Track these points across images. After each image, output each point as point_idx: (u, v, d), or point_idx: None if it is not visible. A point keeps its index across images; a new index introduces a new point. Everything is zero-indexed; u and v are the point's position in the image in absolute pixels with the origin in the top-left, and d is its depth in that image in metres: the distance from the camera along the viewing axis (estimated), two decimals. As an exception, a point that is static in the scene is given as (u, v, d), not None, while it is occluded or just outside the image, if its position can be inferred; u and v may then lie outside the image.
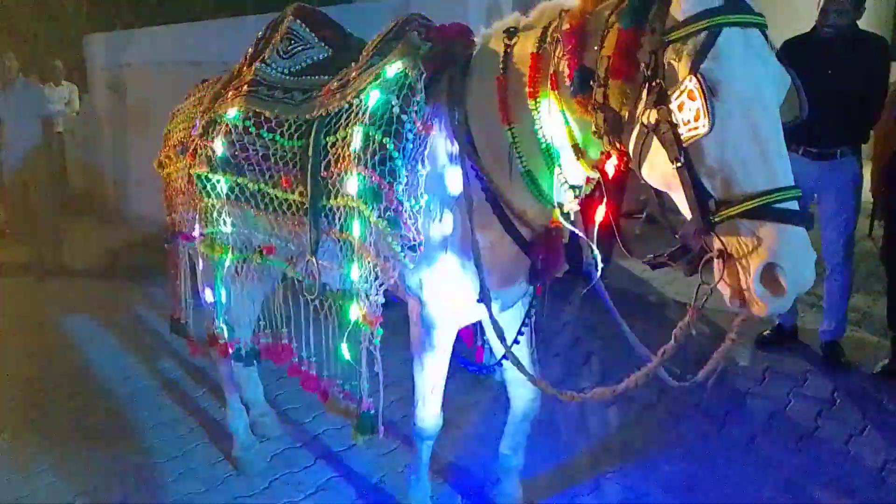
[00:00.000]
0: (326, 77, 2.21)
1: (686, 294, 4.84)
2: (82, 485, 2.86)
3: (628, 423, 3.29)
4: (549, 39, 1.69)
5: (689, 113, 1.30)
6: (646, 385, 3.60)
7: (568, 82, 1.60)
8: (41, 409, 3.55)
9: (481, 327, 2.39)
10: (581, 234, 1.88)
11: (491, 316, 1.96)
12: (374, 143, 1.85)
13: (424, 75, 1.87)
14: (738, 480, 2.84)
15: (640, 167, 1.49)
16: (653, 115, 1.38)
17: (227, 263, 2.43)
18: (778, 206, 1.28)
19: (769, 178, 1.30)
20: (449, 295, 2.01)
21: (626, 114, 1.48)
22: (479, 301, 1.94)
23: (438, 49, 1.93)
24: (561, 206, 1.84)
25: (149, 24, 8.34)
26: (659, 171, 1.43)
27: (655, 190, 1.52)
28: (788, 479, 2.85)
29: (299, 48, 2.34)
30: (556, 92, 1.67)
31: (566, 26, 1.61)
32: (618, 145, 1.54)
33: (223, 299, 2.56)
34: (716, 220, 1.33)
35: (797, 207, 1.31)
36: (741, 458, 3.00)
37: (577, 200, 1.85)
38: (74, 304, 5.15)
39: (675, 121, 1.33)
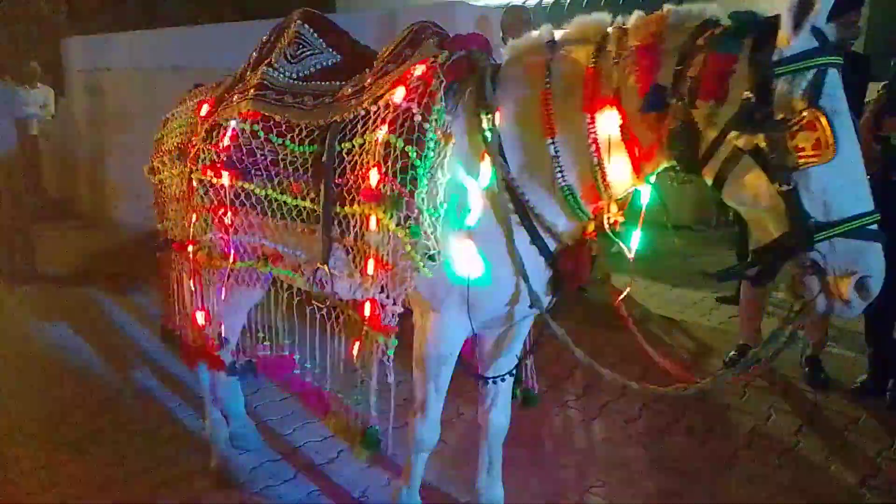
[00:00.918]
0: (338, 83, 2.18)
1: (666, 309, 4.92)
2: (55, 496, 2.78)
3: (611, 438, 3.28)
4: (610, 55, 1.71)
5: (805, 141, 1.45)
6: (627, 399, 3.66)
7: (638, 98, 1.66)
8: (12, 418, 3.45)
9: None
10: (623, 245, 1.90)
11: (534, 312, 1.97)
12: (395, 150, 1.82)
13: (444, 83, 1.86)
14: (722, 496, 2.85)
15: (720, 185, 1.60)
16: (754, 141, 1.51)
17: (227, 272, 2.36)
18: (870, 227, 1.48)
19: (862, 203, 1.49)
20: (471, 304, 1.94)
21: (711, 134, 1.58)
22: (530, 307, 1.95)
23: (459, 58, 1.92)
24: (599, 218, 1.88)
25: (128, 29, 8.26)
26: (752, 192, 1.55)
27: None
28: (770, 494, 2.86)
29: (307, 53, 2.30)
30: (619, 106, 1.70)
31: (636, 43, 1.67)
32: (681, 159, 1.65)
33: (219, 309, 2.48)
34: (818, 238, 1.48)
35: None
36: (724, 473, 3.01)
37: (620, 213, 1.89)
38: (48, 310, 5.04)
39: (787, 149, 1.46)
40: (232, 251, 2.31)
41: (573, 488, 2.86)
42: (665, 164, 1.73)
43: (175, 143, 2.60)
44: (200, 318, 2.52)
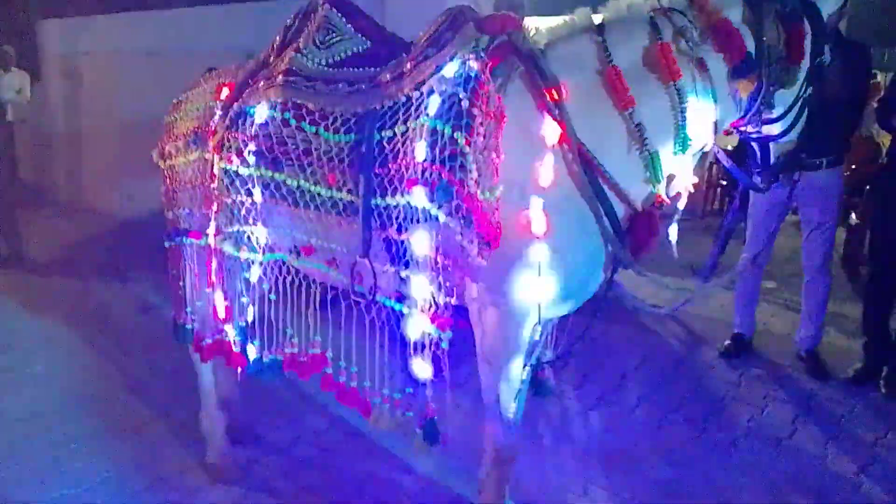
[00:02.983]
0: (373, 69, 2.07)
1: (656, 298, 4.92)
2: (45, 495, 2.71)
3: (611, 429, 3.27)
4: (676, 33, 1.96)
5: None
6: (624, 390, 3.66)
7: (724, 66, 1.98)
8: (1, 415, 3.35)
9: None
10: (682, 206, 2.12)
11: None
12: (443, 138, 1.77)
13: (489, 66, 1.82)
14: (720, 485, 2.86)
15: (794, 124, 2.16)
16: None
17: (255, 265, 2.26)
18: None
19: None
20: (538, 289, 1.89)
21: (791, 86, 2.07)
22: (623, 267, 2.06)
23: (502, 40, 1.91)
24: (670, 180, 2.05)
25: (106, 12, 8.06)
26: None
27: None
28: (768, 483, 2.87)
29: (336, 38, 2.19)
30: (706, 74, 1.96)
31: (707, 22, 1.96)
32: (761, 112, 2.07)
33: (245, 304, 2.37)
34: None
35: None
36: (722, 462, 3.01)
37: (692, 174, 2.08)
38: (30, 300, 4.90)
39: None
40: (259, 243, 2.23)
41: (574, 479, 2.85)
42: (733, 119, 2.10)
43: (191, 128, 2.47)
44: (221, 311, 2.42)
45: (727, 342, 4.07)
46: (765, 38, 1.98)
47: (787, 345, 4.03)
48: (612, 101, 1.92)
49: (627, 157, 1.95)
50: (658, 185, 1.99)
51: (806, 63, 2.06)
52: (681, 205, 2.12)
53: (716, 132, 2.04)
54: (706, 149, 2.08)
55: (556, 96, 1.85)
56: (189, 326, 2.64)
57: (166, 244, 2.66)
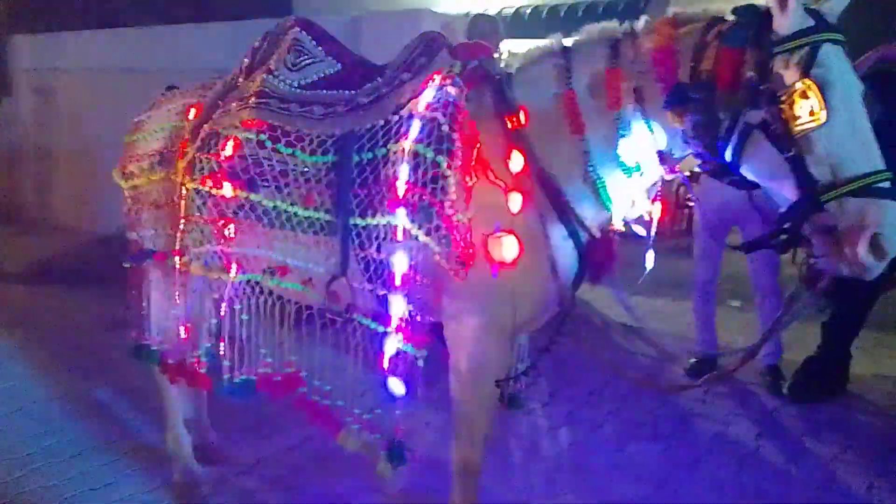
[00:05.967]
0: (347, 92, 2.13)
1: (626, 317, 4.99)
2: (6, 515, 2.66)
3: (579, 444, 3.30)
4: (627, 57, 1.87)
5: (801, 109, 1.58)
6: (593, 406, 3.70)
7: (660, 95, 1.81)
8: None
9: None
10: (643, 233, 2.08)
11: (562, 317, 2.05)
12: (425, 161, 1.83)
13: (465, 92, 1.89)
14: (687, 500, 2.89)
15: (739, 163, 1.75)
16: (759, 116, 1.65)
17: (226, 286, 2.23)
18: (878, 185, 1.55)
19: (869, 163, 1.58)
20: (511, 307, 1.93)
21: (726, 119, 1.72)
22: (560, 307, 2.01)
23: (473, 66, 1.97)
24: (627, 209, 2.02)
25: (77, 28, 8.02)
26: (765, 163, 1.69)
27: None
28: (733, 498, 2.91)
29: (307, 61, 2.23)
30: (643, 104, 1.85)
31: (651, 46, 1.83)
32: (707, 146, 1.79)
33: (214, 325, 2.37)
34: (824, 199, 1.58)
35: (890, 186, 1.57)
36: (688, 478, 3.05)
37: (650, 202, 2.04)
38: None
39: (786, 118, 1.60)
40: (234, 263, 2.22)
41: (541, 496, 2.86)
42: (689, 152, 1.89)
43: (156, 148, 2.48)
44: (183, 332, 2.41)
45: (692, 360, 4.14)
46: (695, 64, 1.76)
47: (750, 362, 4.09)
48: (566, 125, 1.93)
49: (583, 183, 1.96)
50: (613, 211, 2.00)
51: (742, 90, 1.70)
52: (652, 231, 2.11)
53: (664, 162, 1.91)
54: (666, 178, 2.00)
55: (515, 122, 1.90)
56: (154, 347, 2.62)
57: (127, 265, 2.65)
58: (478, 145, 1.87)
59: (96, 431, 3.28)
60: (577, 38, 2.00)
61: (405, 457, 2.00)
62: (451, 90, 1.88)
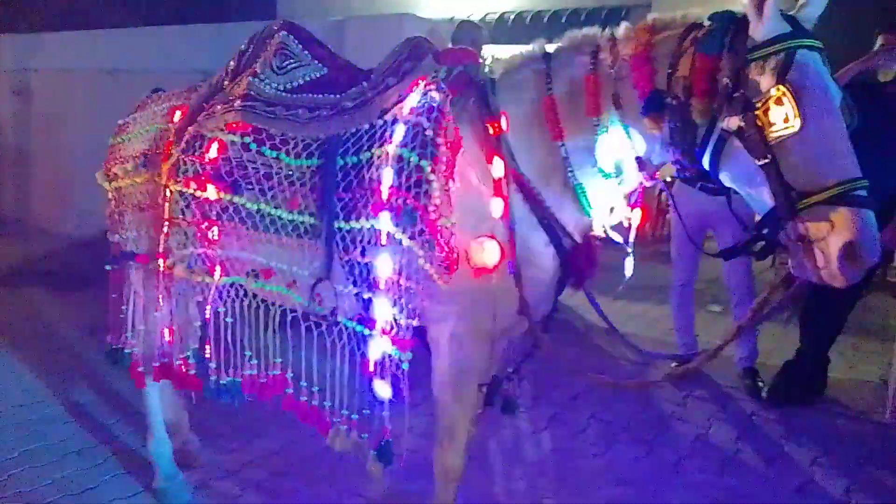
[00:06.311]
0: (332, 95, 2.13)
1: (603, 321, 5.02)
2: (-18, 522, 2.63)
3: (561, 448, 3.32)
4: (606, 63, 1.87)
5: (776, 116, 1.56)
6: (575, 410, 3.71)
7: (638, 102, 1.80)
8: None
9: None
10: (620, 239, 2.05)
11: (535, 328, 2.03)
12: (409, 165, 1.83)
13: (450, 97, 1.89)
14: (668, 503, 2.92)
15: (717, 170, 1.73)
16: (735, 122, 1.62)
17: (210, 288, 2.21)
18: (854, 193, 1.52)
19: (844, 171, 1.54)
20: (490, 311, 1.95)
21: (703, 125, 1.71)
22: (519, 312, 1.97)
23: (458, 72, 1.98)
24: (607, 215, 2.03)
25: (58, 29, 7.95)
26: (742, 170, 1.67)
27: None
28: (714, 501, 2.94)
29: (293, 65, 2.23)
30: (621, 110, 1.85)
31: (629, 52, 1.82)
32: (684, 153, 1.79)
33: (198, 327, 2.34)
34: (800, 207, 1.55)
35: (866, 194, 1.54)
36: (670, 481, 3.08)
37: (629, 208, 2.03)
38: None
39: (761, 124, 1.58)
40: (217, 266, 2.19)
41: (524, 498, 2.87)
42: (668, 159, 1.88)
43: (140, 150, 2.46)
44: (168, 334, 2.39)
45: (673, 364, 4.18)
46: (671, 71, 1.76)
47: (730, 366, 4.14)
48: (547, 130, 1.95)
49: (563, 188, 1.97)
50: (593, 217, 2.01)
51: (718, 97, 1.68)
52: (630, 237, 2.09)
53: (643, 168, 1.92)
54: (646, 184, 2.00)
55: (495, 128, 1.91)
56: (127, 351, 2.60)
57: (108, 267, 2.63)
58: (461, 150, 1.88)
59: (76, 436, 3.24)
60: (558, 44, 2.02)
61: (393, 457, 2.00)
62: (436, 95, 1.88)
